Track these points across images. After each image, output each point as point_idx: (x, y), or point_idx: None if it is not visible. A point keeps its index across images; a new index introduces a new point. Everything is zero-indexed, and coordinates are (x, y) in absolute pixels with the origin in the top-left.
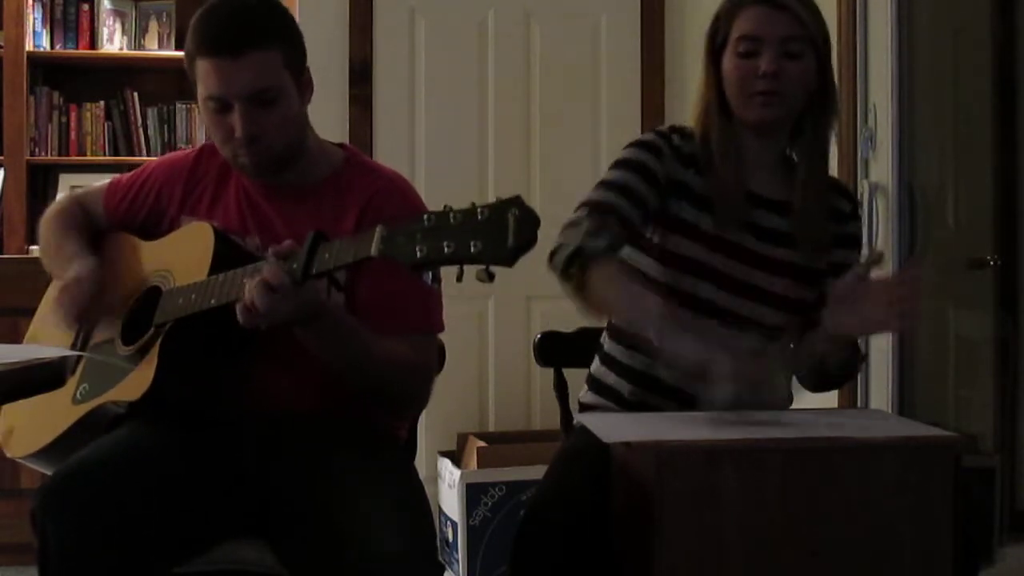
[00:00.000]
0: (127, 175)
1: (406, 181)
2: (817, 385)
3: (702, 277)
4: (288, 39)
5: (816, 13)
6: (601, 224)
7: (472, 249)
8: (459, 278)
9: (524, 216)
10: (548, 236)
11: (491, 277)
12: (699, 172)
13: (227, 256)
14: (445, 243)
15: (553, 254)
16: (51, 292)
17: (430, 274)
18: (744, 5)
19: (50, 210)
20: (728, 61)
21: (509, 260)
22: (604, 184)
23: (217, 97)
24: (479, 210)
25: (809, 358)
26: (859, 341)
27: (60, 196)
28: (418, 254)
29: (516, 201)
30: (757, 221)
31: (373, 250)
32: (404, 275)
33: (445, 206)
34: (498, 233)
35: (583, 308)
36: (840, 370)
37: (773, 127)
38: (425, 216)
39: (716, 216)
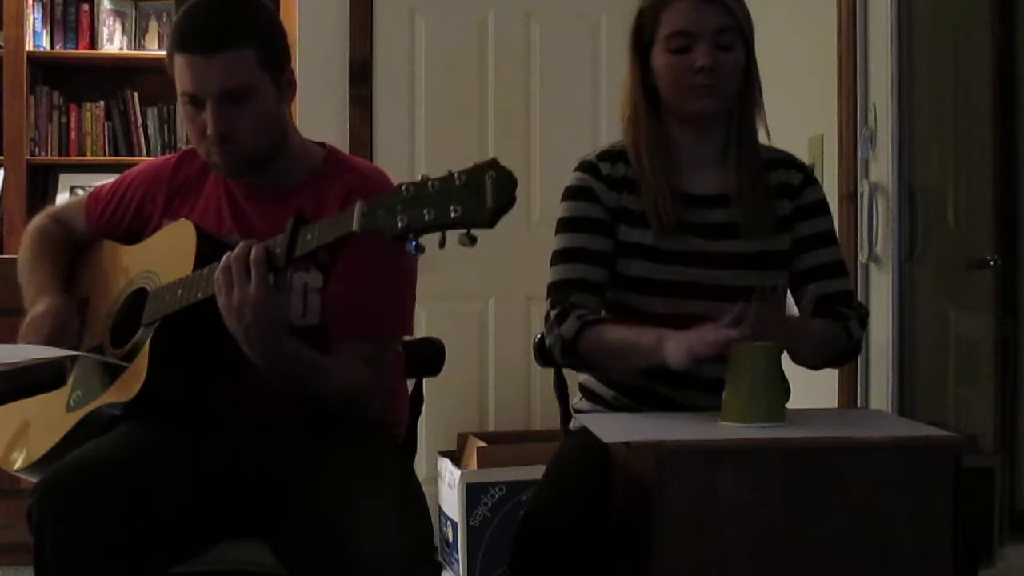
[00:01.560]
0: (107, 184)
1: (385, 176)
2: (816, 362)
3: (656, 292)
4: (265, 38)
5: (741, 2)
6: (563, 306)
7: (452, 214)
8: (441, 244)
9: (501, 177)
10: (549, 237)
11: (472, 241)
12: (632, 191)
13: (210, 251)
14: (425, 211)
15: (551, 351)
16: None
17: (413, 243)
18: (671, 0)
19: (28, 230)
20: (660, 58)
21: (489, 222)
22: (557, 256)
23: (190, 94)
24: (457, 176)
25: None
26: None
27: (58, 199)
28: (399, 224)
29: (492, 164)
30: (701, 220)
31: (355, 225)
32: (377, 277)
33: (423, 176)
34: (477, 196)
35: (605, 375)
36: (834, 347)
37: (710, 120)
38: (403, 187)
39: (651, 223)
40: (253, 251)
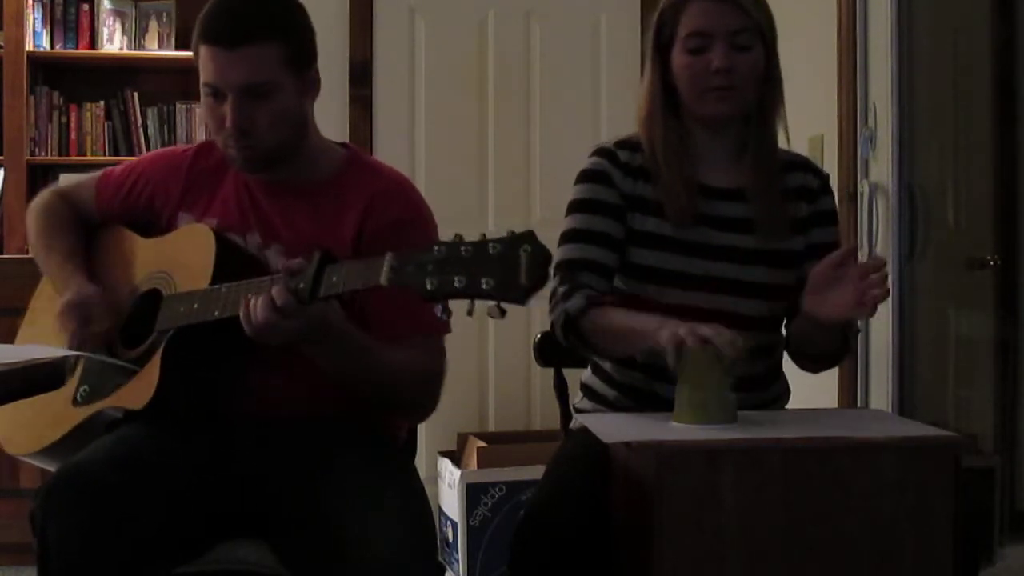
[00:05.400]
0: (119, 169)
1: (409, 182)
2: (815, 365)
3: (667, 283)
4: (292, 36)
5: (762, 2)
6: (572, 284)
7: (484, 286)
8: (469, 312)
9: (536, 254)
10: (548, 238)
11: (503, 313)
12: (648, 180)
13: (229, 263)
14: (456, 277)
15: (553, 328)
16: (45, 288)
17: (440, 307)
18: (689, 0)
19: (33, 207)
20: (678, 58)
21: (522, 299)
22: (567, 236)
23: (212, 85)
24: (491, 244)
25: (799, 341)
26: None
27: (43, 190)
28: (428, 286)
29: (529, 237)
30: (716, 212)
31: (383, 279)
32: None
33: (456, 235)
34: (510, 271)
35: (602, 360)
36: (833, 348)
37: (728, 120)
38: (436, 247)
39: (668, 215)
40: (279, 300)
